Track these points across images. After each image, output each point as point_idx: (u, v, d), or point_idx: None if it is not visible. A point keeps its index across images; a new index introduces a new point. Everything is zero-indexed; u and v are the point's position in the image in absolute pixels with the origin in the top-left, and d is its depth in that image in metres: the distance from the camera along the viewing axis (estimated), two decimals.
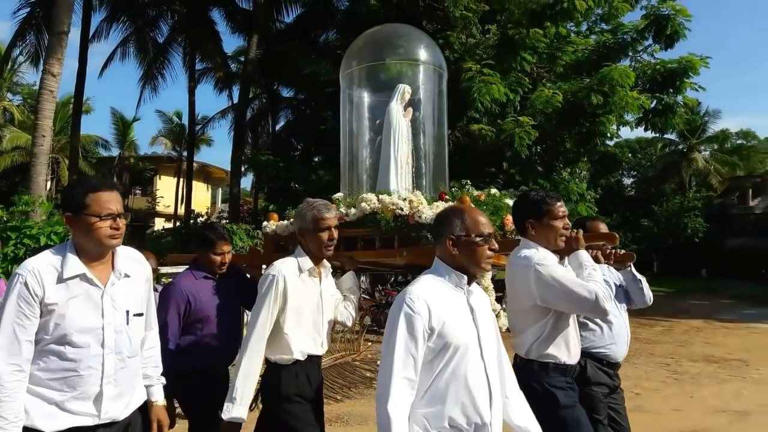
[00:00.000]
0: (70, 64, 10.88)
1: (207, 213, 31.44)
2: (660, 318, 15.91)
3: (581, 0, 12.43)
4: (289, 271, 2.83)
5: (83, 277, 2.12)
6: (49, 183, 18.40)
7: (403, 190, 4.16)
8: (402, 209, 3.53)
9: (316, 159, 17.97)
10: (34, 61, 19.01)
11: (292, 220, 3.66)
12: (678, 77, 14.30)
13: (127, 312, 2.21)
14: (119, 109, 34.14)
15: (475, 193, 3.90)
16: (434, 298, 2.08)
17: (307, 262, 2.91)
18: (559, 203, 2.78)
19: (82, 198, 2.10)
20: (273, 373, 2.87)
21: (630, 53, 14.82)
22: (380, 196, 3.67)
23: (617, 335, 3.31)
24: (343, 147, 5.15)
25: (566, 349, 2.68)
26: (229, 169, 19.89)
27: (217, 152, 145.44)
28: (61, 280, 2.07)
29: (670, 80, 14.45)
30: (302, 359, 2.86)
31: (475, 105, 12.73)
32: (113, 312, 2.16)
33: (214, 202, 40.32)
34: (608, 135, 14.96)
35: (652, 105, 14.76)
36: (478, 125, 13.38)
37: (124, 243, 2.30)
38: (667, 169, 40.76)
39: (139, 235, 24.29)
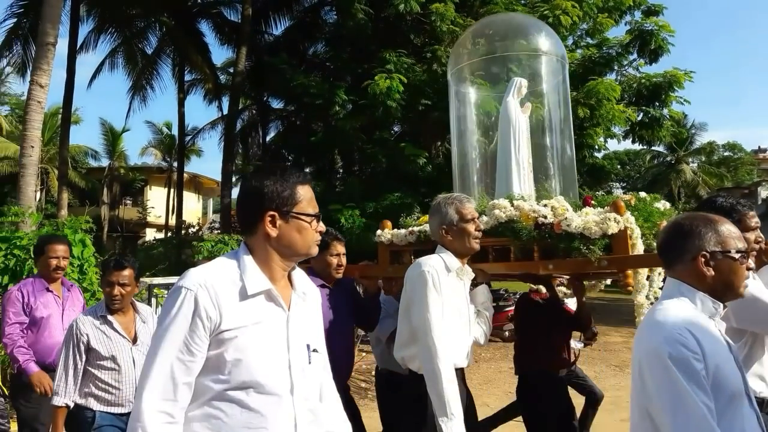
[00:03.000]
0: (58, 75, 10.94)
1: (198, 223, 31.37)
2: None
3: (566, 15, 12.65)
4: (439, 268, 2.61)
5: (268, 295, 1.64)
6: (38, 193, 18.34)
7: (526, 195, 3.70)
8: (545, 217, 3.15)
9: (307, 170, 18.05)
10: (21, 71, 18.93)
11: (410, 229, 3.56)
12: (663, 91, 14.56)
13: (308, 346, 1.71)
14: (108, 120, 34.16)
15: (626, 197, 3.45)
16: (699, 331, 1.61)
17: (453, 260, 2.68)
18: (751, 213, 2.47)
19: (291, 192, 1.68)
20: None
21: (615, 67, 15.07)
22: (515, 203, 3.31)
23: None
24: (454, 148, 4.84)
25: (761, 379, 2.32)
26: (220, 180, 19.90)
27: (208, 163, 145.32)
28: (244, 297, 1.58)
29: (656, 94, 14.72)
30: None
31: None
32: (296, 345, 1.66)
33: (205, 213, 40.23)
34: (596, 147, 15.18)
35: (639, 118, 15.03)
36: None
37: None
38: (656, 181, 41.18)
39: (130, 245, 24.18)
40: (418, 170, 14.11)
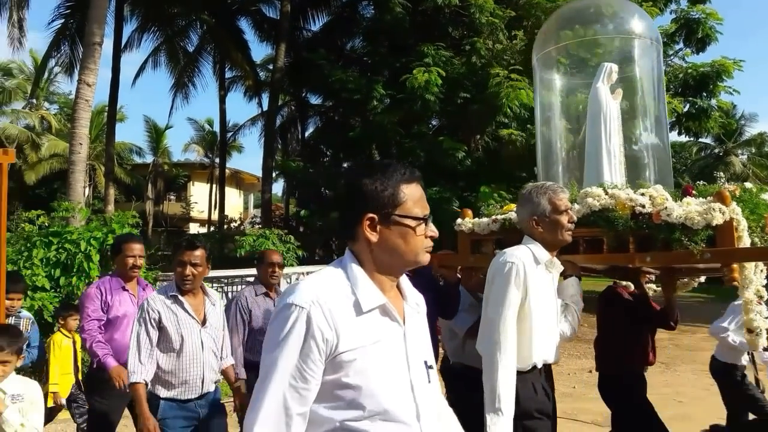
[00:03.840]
0: (103, 74, 11.25)
1: (240, 218, 31.89)
2: (702, 324, 15.62)
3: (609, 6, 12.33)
4: (528, 260, 2.49)
5: (383, 310, 1.45)
6: (86, 189, 18.96)
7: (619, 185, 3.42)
8: (643, 206, 2.96)
9: (345, 165, 18.15)
10: (68, 71, 19.49)
11: (493, 218, 3.42)
12: (711, 81, 14.10)
13: (425, 363, 1.52)
14: (152, 117, 35.01)
15: (730, 187, 3.21)
16: None
17: (542, 252, 2.56)
18: None
19: (394, 191, 1.46)
20: None
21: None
22: (610, 191, 3.12)
23: None
24: (539, 136, 4.69)
25: None
26: (261, 176, 20.18)
27: (248, 159, 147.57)
28: (359, 313, 1.40)
29: (703, 84, 14.26)
30: (540, 366, 2.51)
31: (503, 110, 12.77)
32: (415, 363, 1.48)
33: (246, 208, 40.85)
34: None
35: (685, 109, 14.57)
36: (507, 130, 13.40)
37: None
38: (703, 173, 39.95)
39: (174, 240, 24.71)
40: (457, 164, 14.01)
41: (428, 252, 1.50)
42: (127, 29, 20.57)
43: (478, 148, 14.88)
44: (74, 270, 6.92)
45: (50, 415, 5.15)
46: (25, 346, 4.02)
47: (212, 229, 28.60)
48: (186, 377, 3.13)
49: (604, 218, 3.05)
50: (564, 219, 2.58)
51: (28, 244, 7.04)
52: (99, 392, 3.82)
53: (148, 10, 20.27)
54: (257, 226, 20.78)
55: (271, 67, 21.90)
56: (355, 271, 1.45)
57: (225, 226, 24.41)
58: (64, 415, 5.36)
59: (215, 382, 3.32)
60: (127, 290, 3.97)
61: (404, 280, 1.57)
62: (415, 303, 1.58)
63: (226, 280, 9.01)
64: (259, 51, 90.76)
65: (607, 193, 3.11)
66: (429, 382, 1.50)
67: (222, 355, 3.42)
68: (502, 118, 13.34)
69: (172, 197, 35.94)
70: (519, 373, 2.41)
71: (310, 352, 1.33)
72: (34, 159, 28.38)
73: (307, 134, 23.56)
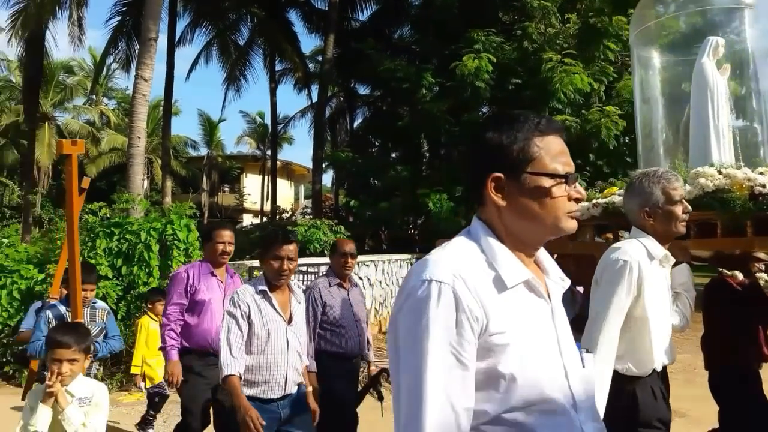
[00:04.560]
0: (158, 69, 11.53)
1: (291, 209, 32.40)
2: None
3: None
4: (642, 257, 2.30)
5: (528, 286, 1.24)
6: (144, 182, 19.54)
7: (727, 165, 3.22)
8: (764, 186, 2.76)
9: (394, 155, 18.11)
10: (125, 67, 20.09)
11: (594, 202, 3.22)
12: None
13: (578, 346, 1.33)
14: (205, 111, 35.84)
15: None
16: None
17: (657, 247, 2.37)
18: None
19: (525, 144, 1.24)
20: (621, 388, 2.24)
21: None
22: (725, 170, 2.91)
23: None
24: (637, 117, 4.50)
25: None
26: (311, 167, 20.40)
27: (299, 150, 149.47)
28: (502, 290, 1.18)
29: None
30: (659, 370, 2.34)
31: (557, 95, 12.49)
32: (566, 345, 1.26)
33: (297, 199, 41.44)
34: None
35: None
36: (561, 116, 13.09)
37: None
38: None
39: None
40: None
41: (573, 218, 1.26)
42: (180, 24, 21.09)
43: None
44: (135, 259, 7.14)
45: (157, 405, 5.33)
46: (102, 337, 4.13)
47: (264, 219, 29.13)
48: (269, 376, 3.05)
49: (719, 200, 2.82)
50: (678, 210, 2.38)
51: (92, 235, 7.30)
52: (185, 377, 3.87)
53: (200, 4, 20.69)
54: (308, 217, 21.04)
55: (320, 58, 22.04)
56: (490, 242, 1.23)
57: (277, 217, 24.82)
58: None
59: (298, 384, 3.23)
60: (216, 276, 4.00)
61: (542, 252, 1.35)
62: (559, 277, 1.34)
63: None
64: (308, 43, 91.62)
65: (721, 173, 2.88)
66: (584, 366, 1.29)
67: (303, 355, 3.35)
68: (556, 104, 13.04)
69: (225, 189, 36.81)
70: (638, 378, 2.26)
71: (463, 331, 1.11)
72: (94, 153, 29.56)
73: (355, 125, 23.66)
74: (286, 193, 38.09)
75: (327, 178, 31.34)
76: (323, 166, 18.47)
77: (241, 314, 3.03)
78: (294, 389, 3.16)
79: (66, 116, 31.29)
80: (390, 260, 12.13)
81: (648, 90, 4.40)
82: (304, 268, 8.53)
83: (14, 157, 29.80)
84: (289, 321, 3.17)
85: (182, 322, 3.91)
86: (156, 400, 5.28)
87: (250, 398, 2.99)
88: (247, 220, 34.76)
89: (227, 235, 4.04)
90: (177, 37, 20.33)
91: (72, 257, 3.62)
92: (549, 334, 1.24)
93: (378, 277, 11.27)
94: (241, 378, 2.98)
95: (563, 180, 1.23)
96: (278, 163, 28.09)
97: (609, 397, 2.18)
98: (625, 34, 13.13)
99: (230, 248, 4.05)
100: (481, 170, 1.26)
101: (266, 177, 31.05)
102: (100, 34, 76.82)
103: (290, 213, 29.60)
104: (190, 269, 4.00)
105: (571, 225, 1.26)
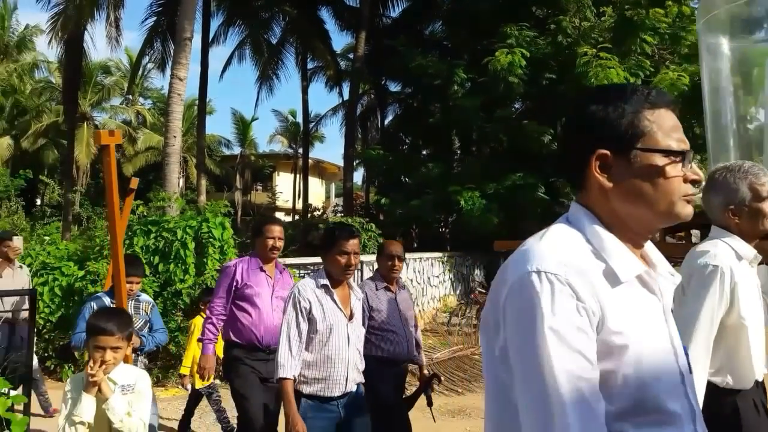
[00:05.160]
0: (192, 68, 11.69)
1: (323, 207, 32.59)
2: None
3: None
4: (731, 260, 2.12)
5: (641, 281, 1.12)
6: (179, 180, 19.89)
7: None
8: None
9: (425, 152, 18.04)
10: (161, 66, 20.45)
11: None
12: None
13: (685, 349, 1.20)
14: (239, 110, 36.25)
15: None
16: None
17: (745, 247, 2.19)
18: None
19: (635, 117, 1.11)
20: (720, 401, 2.08)
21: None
22: None
23: None
24: (707, 109, 4.30)
25: None
26: (342, 165, 20.46)
27: (329, 148, 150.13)
28: (615, 284, 1.06)
29: None
30: (760, 381, 2.17)
31: None
32: (679, 348, 1.16)
33: (328, 197, 41.64)
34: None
35: None
36: None
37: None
38: None
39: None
40: (542, 148, 13.59)
41: (689, 202, 1.11)
42: (214, 24, 21.33)
43: None
44: (171, 257, 7.25)
45: (195, 401, 5.35)
46: (147, 330, 4.09)
47: (296, 217, 29.35)
48: (330, 373, 2.98)
49: None
50: (766, 206, 2.18)
51: (129, 233, 7.42)
52: (234, 370, 3.84)
53: (233, 4, 20.90)
54: (339, 214, 21.12)
55: (351, 56, 22.08)
56: (597, 230, 1.10)
57: (308, 215, 24.98)
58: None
59: (358, 383, 3.14)
60: (264, 271, 3.96)
61: (648, 243, 1.21)
62: (668, 272, 1.19)
63: (312, 267, 9.19)
64: (340, 40, 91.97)
65: None
66: (690, 372, 1.15)
67: None
68: None
69: (258, 187, 37.20)
70: (734, 392, 2.09)
71: (585, 327, 0.99)
72: (131, 152, 30.16)
73: (386, 122, 23.65)
74: (318, 191, 38.29)
75: (358, 176, 31.45)
76: (354, 163, 18.51)
77: (301, 310, 2.97)
78: (354, 388, 3.09)
79: (103, 116, 32.02)
80: (421, 258, 12.08)
81: (717, 79, 4.20)
82: (314, 267, 8.56)
83: (54, 156, 30.59)
84: (350, 317, 3.12)
85: (224, 317, 3.90)
86: (214, 398, 5.20)
87: (310, 396, 2.94)
88: (279, 218, 35.07)
89: (277, 230, 4.00)
90: (211, 37, 20.61)
91: (115, 250, 3.56)
92: (663, 335, 1.12)
93: (409, 275, 11.23)
94: (295, 380, 2.94)
95: (679, 159, 1.09)
96: (310, 161, 28.26)
97: (705, 411, 2.04)
98: (663, 27, 12.84)
99: (280, 243, 4.00)
100: (582, 148, 1.12)
101: (298, 175, 31.27)
102: (136, 34, 78.52)
103: (321, 211, 29.77)
104: (239, 263, 3.97)
105: (688, 210, 1.11)
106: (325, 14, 22.87)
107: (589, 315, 1.00)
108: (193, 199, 18.07)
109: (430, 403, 4.01)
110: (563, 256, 1.04)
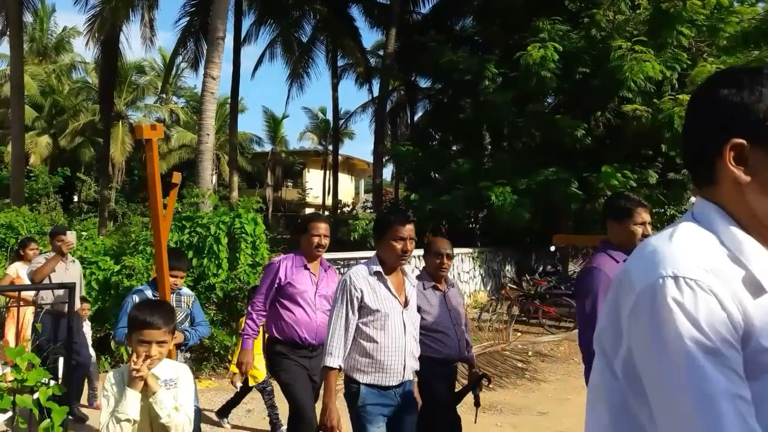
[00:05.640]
0: (225, 67, 11.79)
1: (352, 203, 32.70)
2: None
3: None
4: None
5: None
6: (212, 177, 20.16)
7: None
8: None
9: (454, 148, 17.93)
10: (194, 65, 20.73)
11: None
12: None
13: None
14: (270, 107, 36.59)
15: None
16: None
17: None
18: None
19: None
20: None
21: None
22: None
23: None
24: None
25: None
26: (371, 161, 20.48)
27: (359, 145, 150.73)
28: (759, 293, 0.91)
29: None
30: None
31: (627, 84, 12.06)
32: None
33: (357, 193, 41.77)
34: None
35: None
36: (631, 105, 12.64)
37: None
38: None
39: (292, 224, 25.77)
40: (575, 143, 13.38)
41: None
42: (246, 23, 21.54)
43: (599, 126, 14.11)
44: (205, 252, 7.35)
45: (242, 393, 5.40)
46: (188, 324, 4.07)
47: (326, 213, 29.53)
48: (387, 361, 2.89)
49: None
50: None
51: None
52: (278, 364, 3.83)
53: (265, 3, 21.07)
54: (368, 211, 21.16)
55: (381, 53, 22.06)
56: (734, 232, 0.96)
57: (338, 211, 25.08)
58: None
59: (414, 371, 3.07)
60: (308, 269, 3.89)
61: None
62: None
63: (342, 262, 9.22)
64: (369, 37, 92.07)
65: None
66: None
67: None
68: (626, 93, 12.58)
69: (289, 184, 37.52)
70: None
71: (735, 342, 0.86)
72: (165, 150, 30.66)
73: (416, 118, 23.59)
74: (347, 187, 38.44)
75: (387, 172, 31.44)
76: (384, 160, 18.51)
77: (352, 301, 2.90)
78: (411, 377, 3.03)
79: (138, 115, 32.66)
80: None
81: None
82: (344, 262, 8.59)
83: (91, 154, 31.29)
84: (405, 304, 3.04)
85: (265, 313, 3.89)
86: (267, 391, 5.20)
87: (370, 385, 2.88)
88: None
89: (323, 227, 3.92)
90: (243, 36, 20.80)
91: (158, 244, 3.52)
92: None
93: None
94: (341, 369, 2.89)
95: None
96: (339, 157, 28.36)
97: None
98: (700, 18, 12.50)
99: (326, 241, 3.91)
100: (713, 138, 0.98)
101: (328, 172, 31.44)
102: (170, 35, 79.79)
103: (351, 207, 29.86)
104: (284, 260, 3.92)
105: None
106: (355, 12, 22.95)
107: (736, 328, 0.87)
108: (225, 195, 18.28)
109: (477, 404, 3.92)
110: (702, 259, 0.91)
